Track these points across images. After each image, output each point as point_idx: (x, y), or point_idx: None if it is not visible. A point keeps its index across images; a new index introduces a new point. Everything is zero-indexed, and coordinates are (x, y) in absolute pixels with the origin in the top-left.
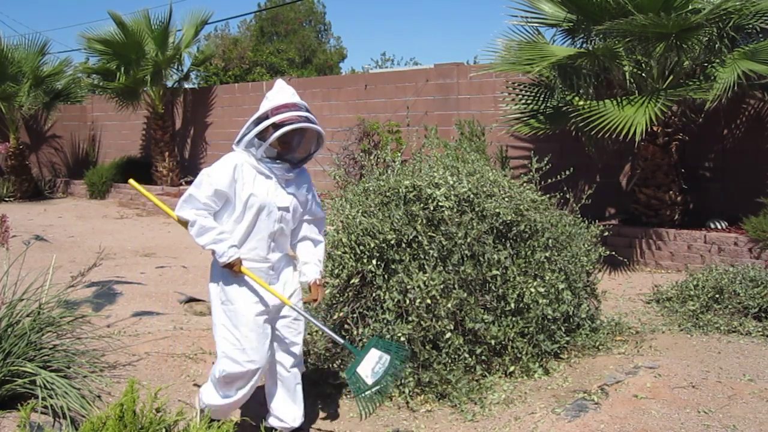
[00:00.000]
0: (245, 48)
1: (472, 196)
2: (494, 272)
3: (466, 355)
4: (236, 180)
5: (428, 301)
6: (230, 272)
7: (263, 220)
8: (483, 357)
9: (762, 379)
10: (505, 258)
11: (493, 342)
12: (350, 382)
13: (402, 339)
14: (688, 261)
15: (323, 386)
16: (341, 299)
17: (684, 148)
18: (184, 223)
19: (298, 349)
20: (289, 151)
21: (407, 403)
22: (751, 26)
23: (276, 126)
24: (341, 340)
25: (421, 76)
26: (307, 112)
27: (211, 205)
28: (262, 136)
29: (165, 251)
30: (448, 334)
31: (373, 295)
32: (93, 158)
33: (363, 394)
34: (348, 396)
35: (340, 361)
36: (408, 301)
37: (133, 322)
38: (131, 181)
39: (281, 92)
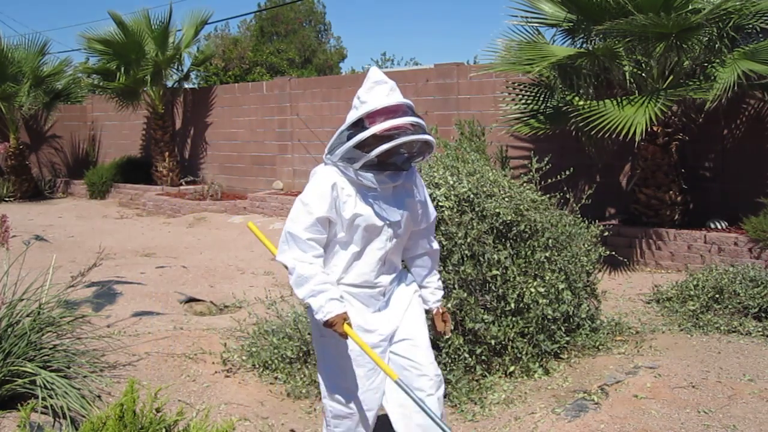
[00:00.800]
0: (245, 48)
1: (472, 196)
2: (494, 272)
3: (466, 355)
4: (336, 200)
5: None
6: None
7: (373, 241)
8: (483, 357)
9: (762, 379)
10: (505, 258)
11: (493, 342)
12: None
13: None
14: (688, 261)
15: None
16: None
17: (684, 148)
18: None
19: (432, 368)
20: (393, 155)
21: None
22: (751, 26)
23: (378, 138)
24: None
25: (421, 76)
26: (413, 116)
27: (316, 239)
28: (360, 147)
29: (165, 251)
30: (448, 334)
31: None
32: (93, 158)
33: None
34: None
35: None
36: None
37: (133, 322)
38: (250, 224)
39: (378, 89)
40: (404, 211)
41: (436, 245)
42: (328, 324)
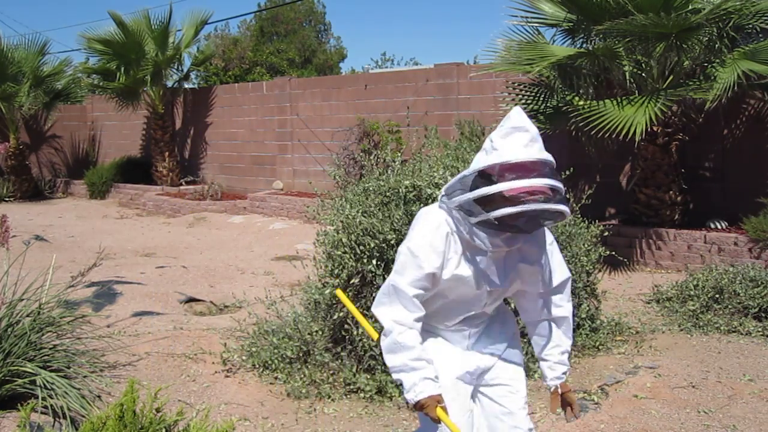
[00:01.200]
0: (245, 48)
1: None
2: None
3: None
4: (445, 254)
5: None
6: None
7: (467, 302)
8: None
9: (762, 379)
10: None
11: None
12: None
13: None
14: (688, 261)
15: (323, 386)
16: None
17: (684, 148)
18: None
19: (527, 423)
20: (518, 219)
21: (407, 403)
22: (751, 26)
23: (505, 198)
24: None
25: (421, 76)
26: (553, 178)
27: (421, 295)
28: (482, 202)
29: (165, 251)
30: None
31: (373, 295)
32: (93, 158)
33: None
34: (348, 396)
35: (340, 360)
36: None
37: (133, 322)
38: (338, 292)
39: (516, 137)
40: (514, 276)
41: (563, 311)
42: (419, 406)
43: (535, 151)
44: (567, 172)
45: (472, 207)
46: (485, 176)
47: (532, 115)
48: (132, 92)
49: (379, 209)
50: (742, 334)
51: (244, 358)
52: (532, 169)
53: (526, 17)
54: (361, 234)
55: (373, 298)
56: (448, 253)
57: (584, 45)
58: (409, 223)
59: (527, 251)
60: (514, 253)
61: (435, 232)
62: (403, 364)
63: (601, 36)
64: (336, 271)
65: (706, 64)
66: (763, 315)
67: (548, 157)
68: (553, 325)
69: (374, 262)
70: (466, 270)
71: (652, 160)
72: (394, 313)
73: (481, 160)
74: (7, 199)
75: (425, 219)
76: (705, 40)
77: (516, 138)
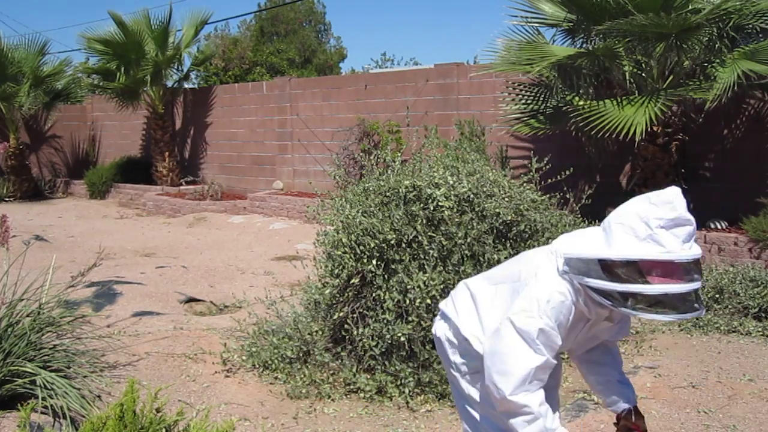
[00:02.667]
0: (245, 48)
1: (472, 196)
2: None
3: None
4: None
5: (428, 301)
6: None
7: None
8: None
9: (762, 379)
10: (505, 258)
11: None
12: None
13: (402, 339)
14: None
15: (323, 386)
16: (341, 299)
17: (684, 148)
18: (512, 410)
19: None
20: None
21: (407, 403)
22: (751, 26)
23: (652, 303)
24: None
25: (421, 76)
26: (701, 277)
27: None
28: (622, 293)
29: (165, 251)
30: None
31: (373, 295)
32: (93, 158)
33: None
34: (348, 396)
35: (340, 360)
36: (408, 301)
37: (133, 322)
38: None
39: (680, 232)
40: (596, 338)
41: (617, 351)
42: None
43: (695, 249)
44: (567, 172)
45: (613, 294)
46: (634, 266)
47: (532, 114)
48: (132, 92)
49: (379, 209)
50: (742, 334)
51: (244, 358)
52: (689, 270)
53: (526, 17)
54: (361, 234)
55: (373, 298)
56: (565, 323)
57: (584, 45)
58: (410, 223)
59: (615, 314)
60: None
61: (564, 304)
62: None
63: (601, 36)
64: (336, 271)
65: (706, 64)
66: (763, 315)
67: (699, 252)
68: (615, 356)
69: (374, 262)
70: (571, 334)
71: (652, 160)
72: (538, 396)
73: (631, 248)
74: (7, 199)
75: (551, 286)
76: (705, 40)
77: (680, 231)
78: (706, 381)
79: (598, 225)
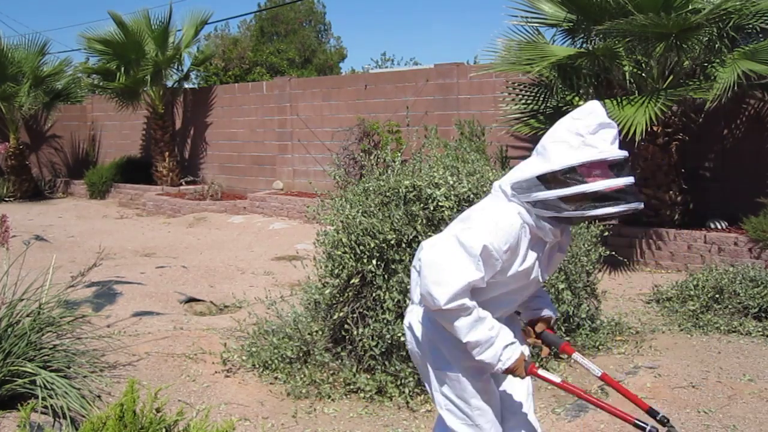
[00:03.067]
0: (245, 48)
1: (472, 196)
2: None
3: None
4: (516, 249)
5: None
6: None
7: (518, 293)
8: None
9: (762, 379)
10: None
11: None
12: None
13: (402, 339)
14: (688, 261)
15: (323, 386)
16: (341, 299)
17: (684, 148)
18: (450, 311)
19: (533, 420)
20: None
21: (407, 403)
22: (751, 26)
23: (596, 200)
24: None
25: (421, 76)
26: (632, 176)
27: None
28: (572, 199)
29: (165, 251)
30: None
31: (373, 295)
32: (93, 158)
33: None
34: (348, 396)
35: (340, 360)
36: (408, 301)
37: (133, 322)
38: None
39: (606, 134)
40: (551, 266)
41: None
42: (509, 371)
43: (620, 148)
44: None
45: (555, 204)
46: (573, 172)
47: (532, 114)
48: (132, 92)
49: (379, 209)
50: (742, 334)
51: (244, 358)
52: (622, 166)
53: (526, 17)
54: (361, 234)
55: (373, 298)
56: (521, 248)
57: (584, 45)
58: (410, 223)
59: (564, 241)
60: (556, 242)
61: (513, 227)
62: (487, 337)
63: (601, 36)
64: (336, 271)
65: (706, 64)
66: (763, 315)
67: (626, 152)
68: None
69: (374, 262)
70: (531, 259)
71: (652, 160)
72: (465, 293)
73: (572, 156)
74: (7, 199)
75: (499, 213)
76: (705, 40)
77: (606, 135)
78: (706, 381)
79: (598, 224)
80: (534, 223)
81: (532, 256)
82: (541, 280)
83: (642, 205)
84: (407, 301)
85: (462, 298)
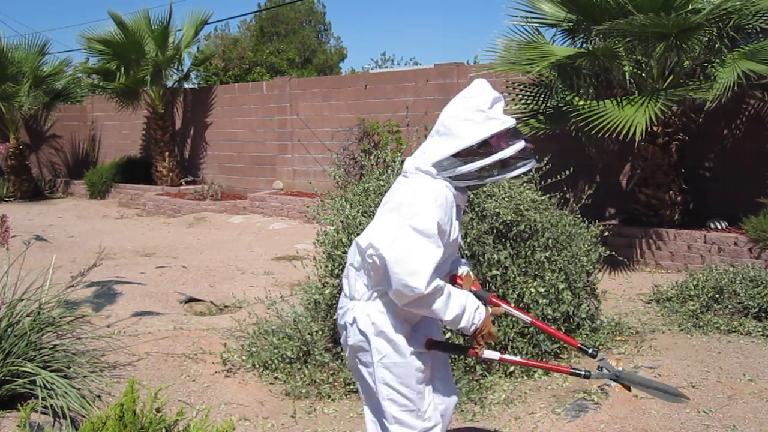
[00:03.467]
0: (245, 48)
1: (472, 196)
2: (494, 272)
3: None
4: (452, 220)
5: None
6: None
7: (449, 259)
8: None
9: (762, 379)
10: (505, 258)
11: (493, 342)
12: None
13: None
14: (688, 261)
15: (323, 386)
16: None
17: (684, 148)
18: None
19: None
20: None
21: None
22: (751, 26)
23: (505, 165)
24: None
25: (421, 76)
26: (525, 137)
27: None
28: (486, 169)
29: (165, 251)
30: (449, 334)
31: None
32: (93, 158)
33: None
34: (348, 396)
35: (340, 360)
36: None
37: (133, 322)
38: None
39: (500, 106)
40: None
41: None
42: (477, 333)
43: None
44: (567, 172)
45: (473, 174)
46: (486, 144)
47: (532, 115)
48: (132, 92)
49: None
50: (742, 334)
51: (244, 358)
52: (517, 132)
53: (526, 17)
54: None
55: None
56: (453, 215)
57: (584, 45)
58: None
59: (463, 203)
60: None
61: (443, 201)
62: (462, 307)
63: (601, 36)
64: (336, 271)
65: (706, 64)
66: (763, 315)
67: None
68: None
69: None
70: (457, 227)
71: (652, 160)
72: (435, 273)
73: (479, 131)
74: (7, 199)
75: (427, 192)
76: (705, 40)
77: (500, 106)
78: (706, 381)
79: (598, 224)
80: (457, 193)
81: (457, 222)
82: (459, 242)
83: (536, 162)
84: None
85: (435, 279)
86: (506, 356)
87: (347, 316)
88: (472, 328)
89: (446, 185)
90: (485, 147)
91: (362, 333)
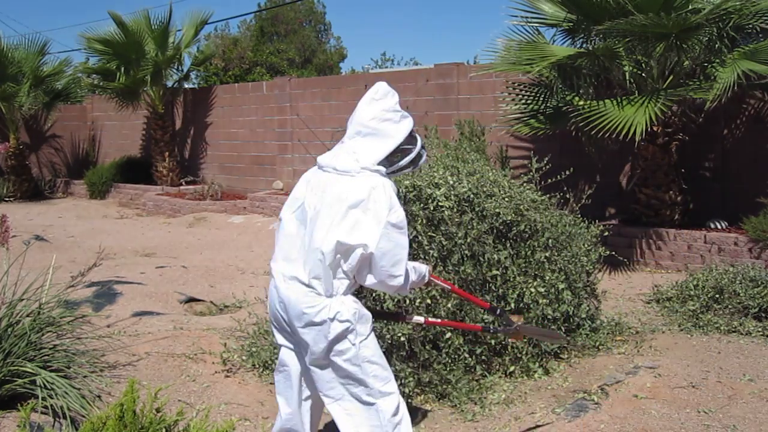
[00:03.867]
0: (245, 48)
1: (472, 196)
2: (494, 272)
3: (466, 355)
4: None
5: (428, 301)
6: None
7: None
8: (483, 357)
9: (762, 379)
10: (505, 258)
11: (493, 342)
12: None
13: (402, 339)
14: (688, 261)
15: None
16: None
17: (684, 148)
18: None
19: None
20: None
21: (407, 403)
22: (751, 26)
23: (420, 156)
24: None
25: (421, 76)
26: None
27: None
28: (412, 161)
29: (165, 251)
30: (449, 334)
31: (373, 294)
32: (93, 158)
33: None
34: None
35: None
36: (408, 301)
37: (133, 322)
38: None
39: (399, 103)
40: None
41: None
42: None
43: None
44: (567, 172)
45: (407, 165)
46: (410, 138)
47: (532, 115)
48: (132, 92)
49: None
50: (742, 334)
51: (244, 358)
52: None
53: (526, 17)
54: None
55: (373, 297)
56: None
57: (584, 45)
58: (410, 223)
59: None
60: None
61: (396, 193)
62: (420, 275)
63: (601, 36)
64: None
65: (706, 64)
66: (763, 315)
67: None
68: None
69: None
70: None
71: (652, 160)
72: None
73: (402, 128)
74: (7, 199)
75: (390, 193)
76: (705, 40)
77: (399, 104)
78: (706, 381)
79: (598, 224)
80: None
81: None
82: None
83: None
84: (407, 301)
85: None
86: (430, 319)
87: (326, 313)
88: (426, 280)
89: (392, 180)
90: (410, 141)
91: (347, 321)
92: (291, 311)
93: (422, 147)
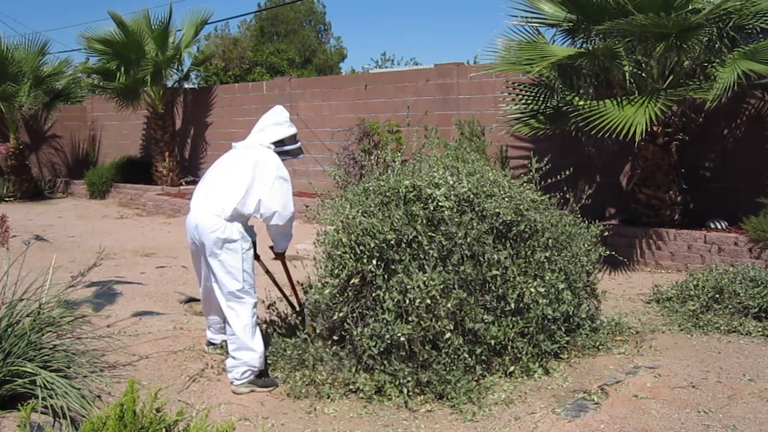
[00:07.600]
0: (245, 48)
1: (472, 196)
2: (494, 272)
3: (466, 355)
4: None
5: (428, 301)
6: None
7: None
8: (483, 357)
9: (762, 379)
10: (505, 258)
11: (492, 342)
12: None
13: (402, 339)
14: (688, 261)
15: (323, 386)
16: (341, 299)
17: (684, 148)
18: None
19: None
20: None
21: (407, 403)
22: (751, 26)
23: (297, 152)
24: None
25: (421, 76)
26: None
27: None
28: (296, 149)
29: (165, 251)
30: (448, 334)
31: (373, 295)
32: (93, 158)
33: None
34: (347, 396)
35: (339, 360)
36: (408, 301)
37: (133, 322)
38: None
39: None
40: None
41: None
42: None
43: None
44: (567, 172)
45: (292, 150)
46: (293, 135)
47: (532, 115)
48: (132, 92)
49: (379, 209)
50: (742, 334)
51: None
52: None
53: (526, 17)
54: (361, 234)
55: (373, 298)
56: None
57: (584, 45)
58: (410, 223)
59: None
60: None
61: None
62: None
63: (601, 36)
64: (336, 271)
65: (706, 64)
66: (763, 315)
67: None
68: None
69: (374, 262)
70: None
71: (652, 160)
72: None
73: (292, 128)
74: (7, 199)
75: (274, 161)
76: (705, 40)
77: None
78: (706, 381)
79: (598, 224)
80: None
81: None
82: None
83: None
84: (407, 301)
85: None
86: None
87: (227, 232)
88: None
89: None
90: (293, 136)
91: (236, 233)
92: (201, 229)
93: (298, 150)
